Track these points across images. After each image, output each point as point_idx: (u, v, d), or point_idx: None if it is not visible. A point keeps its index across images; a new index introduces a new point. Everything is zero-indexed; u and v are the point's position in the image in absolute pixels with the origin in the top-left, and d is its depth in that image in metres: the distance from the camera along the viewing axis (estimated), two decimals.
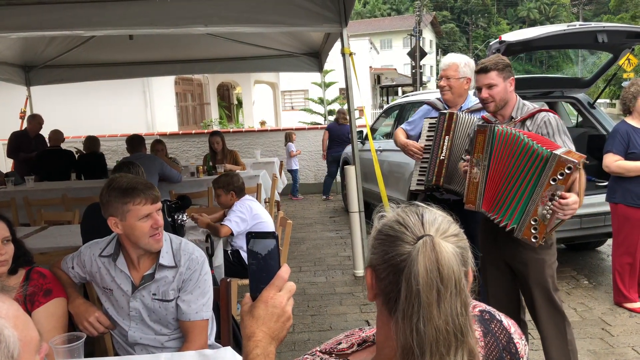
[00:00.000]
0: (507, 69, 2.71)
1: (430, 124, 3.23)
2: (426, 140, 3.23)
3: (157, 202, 2.01)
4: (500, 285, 2.82)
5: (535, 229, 2.36)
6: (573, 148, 2.58)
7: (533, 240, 2.39)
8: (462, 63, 3.25)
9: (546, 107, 2.75)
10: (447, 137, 3.04)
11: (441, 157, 3.06)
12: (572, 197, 2.30)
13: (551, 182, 2.29)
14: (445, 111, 3.13)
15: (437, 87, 3.37)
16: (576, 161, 2.25)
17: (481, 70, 2.74)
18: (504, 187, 2.48)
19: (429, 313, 0.84)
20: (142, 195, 1.97)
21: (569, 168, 2.26)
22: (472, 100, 3.35)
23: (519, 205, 2.41)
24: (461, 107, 3.31)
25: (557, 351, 2.66)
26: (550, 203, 2.31)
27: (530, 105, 2.76)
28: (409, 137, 3.53)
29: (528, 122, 2.67)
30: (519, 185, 2.42)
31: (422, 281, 0.84)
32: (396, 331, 0.88)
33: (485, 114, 2.94)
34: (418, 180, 3.24)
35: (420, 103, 4.58)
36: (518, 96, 2.79)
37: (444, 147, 3.05)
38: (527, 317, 2.88)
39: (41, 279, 2.02)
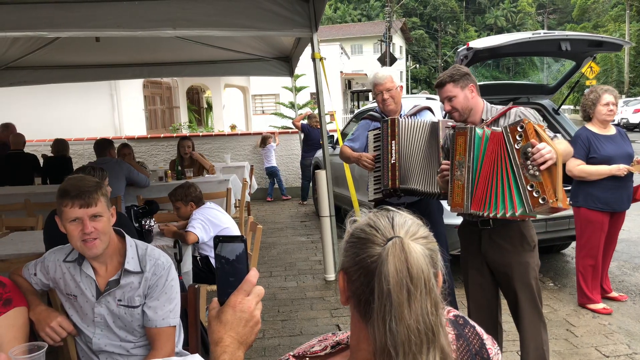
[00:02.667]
0: (464, 77, 2.75)
1: (374, 135, 3.33)
2: (374, 150, 3.33)
3: (90, 207, 1.96)
4: (481, 288, 2.84)
5: (537, 192, 2.32)
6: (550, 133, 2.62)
7: (542, 202, 2.30)
8: (394, 73, 3.49)
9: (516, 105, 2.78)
10: (393, 142, 3.15)
11: (392, 162, 3.17)
12: (539, 143, 2.31)
13: (516, 147, 2.36)
14: (386, 118, 3.24)
15: (378, 101, 3.45)
16: (522, 119, 2.38)
17: (438, 86, 2.82)
18: (493, 183, 2.47)
19: (400, 313, 0.85)
20: (69, 197, 1.95)
21: (521, 127, 2.35)
22: (407, 107, 3.52)
23: (512, 190, 2.39)
24: (400, 114, 3.41)
25: (533, 351, 2.72)
26: (528, 162, 2.33)
27: (499, 107, 2.79)
28: (355, 151, 3.61)
29: (502, 121, 2.69)
30: (504, 175, 2.43)
31: (393, 281, 0.86)
32: (372, 333, 0.88)
33: (428, 114, 3.30)
34: (375, 189, 3.32)
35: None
36: (485, 100, 2.83)
37: (393, 152, 3.17)
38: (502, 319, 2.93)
39: (0, 288, 1.95)
